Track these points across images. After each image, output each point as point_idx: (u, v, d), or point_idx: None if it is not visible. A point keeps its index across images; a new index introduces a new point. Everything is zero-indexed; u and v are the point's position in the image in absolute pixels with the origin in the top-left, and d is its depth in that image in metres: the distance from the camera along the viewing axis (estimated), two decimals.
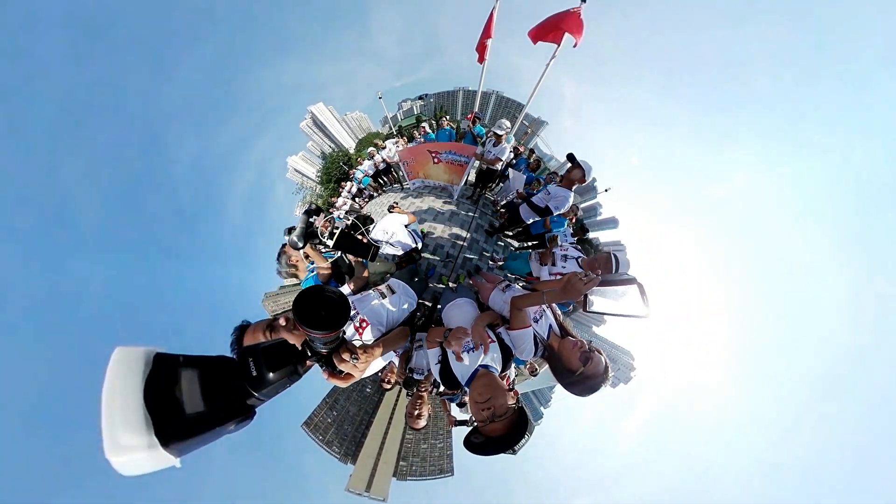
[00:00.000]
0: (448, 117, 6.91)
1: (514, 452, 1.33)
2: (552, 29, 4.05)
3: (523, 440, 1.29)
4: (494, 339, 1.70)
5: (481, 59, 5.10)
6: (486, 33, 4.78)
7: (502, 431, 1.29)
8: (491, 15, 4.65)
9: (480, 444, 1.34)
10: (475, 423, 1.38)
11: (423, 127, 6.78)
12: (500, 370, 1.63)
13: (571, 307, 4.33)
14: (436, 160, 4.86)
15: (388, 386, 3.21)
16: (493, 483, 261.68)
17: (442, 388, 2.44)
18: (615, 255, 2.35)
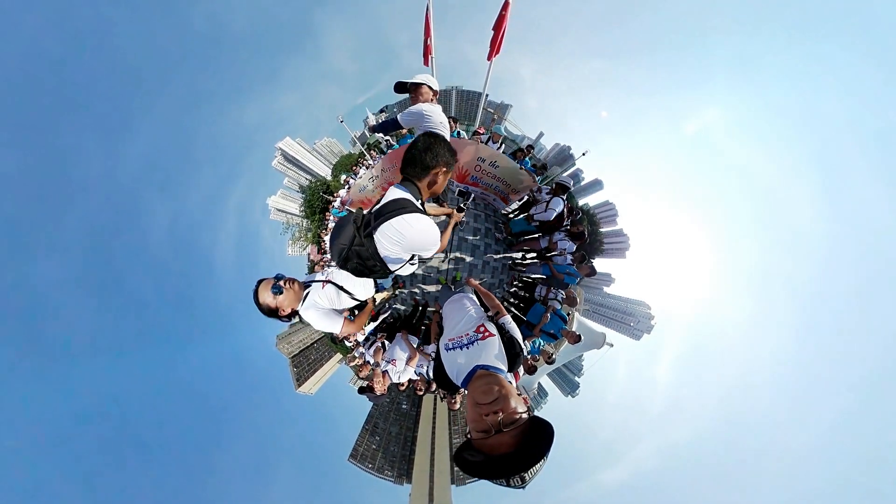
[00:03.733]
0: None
1: (524, 484, 0.98)
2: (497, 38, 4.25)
3: (539, 463, 0.91)
4: (495, 332, 1.50)
5: (426, 61, 5.08)
6: (426, 33, 4.78)
7: (510, 447, 0.95)
8: (427, 15, 4.65)
9: (479, 462, 0.97)
10: (470, 436, 1.04)
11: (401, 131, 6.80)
12: (505, 370, 1.37)
13: (579, 278, 4.50)
14: None
15: (422, 392, 3.58)
16: (553, 459, 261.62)
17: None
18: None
